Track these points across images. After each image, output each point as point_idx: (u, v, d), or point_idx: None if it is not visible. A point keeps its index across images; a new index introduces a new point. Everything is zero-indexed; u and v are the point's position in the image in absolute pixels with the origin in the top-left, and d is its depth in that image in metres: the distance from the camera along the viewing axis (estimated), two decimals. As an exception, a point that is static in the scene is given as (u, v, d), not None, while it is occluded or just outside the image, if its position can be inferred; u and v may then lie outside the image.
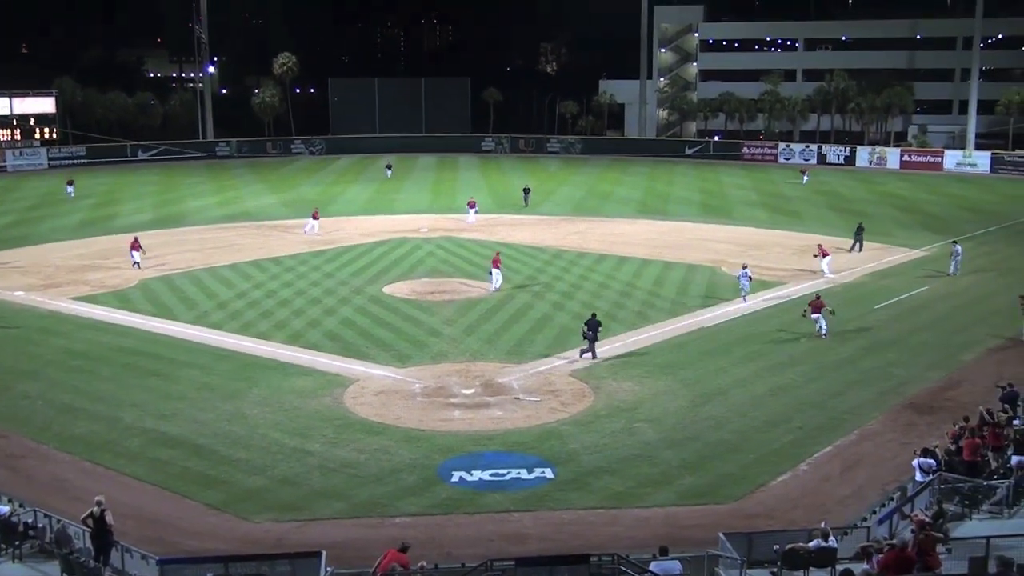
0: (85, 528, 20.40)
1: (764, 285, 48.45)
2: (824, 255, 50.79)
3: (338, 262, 54.92)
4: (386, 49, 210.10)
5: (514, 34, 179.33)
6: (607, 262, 54.92)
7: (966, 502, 22.23)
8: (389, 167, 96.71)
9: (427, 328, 41.15)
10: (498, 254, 49.62)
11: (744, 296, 45.37)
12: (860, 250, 56.68)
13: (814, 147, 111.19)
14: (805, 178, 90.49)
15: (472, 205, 68.86)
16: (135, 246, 53.12)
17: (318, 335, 40.12)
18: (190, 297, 46.88)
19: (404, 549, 19.33)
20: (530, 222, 68.81)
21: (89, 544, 20.37)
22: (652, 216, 72.30)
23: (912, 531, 18.95)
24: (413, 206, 75.65)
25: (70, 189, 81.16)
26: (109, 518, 20.32)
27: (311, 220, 63.92)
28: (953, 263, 51.31)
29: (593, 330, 36.64)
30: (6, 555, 20.95)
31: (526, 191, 77.51)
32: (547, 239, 61.71)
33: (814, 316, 39.88)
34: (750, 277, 45.23)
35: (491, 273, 47.98)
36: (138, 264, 52.39)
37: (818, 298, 40.76)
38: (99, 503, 20.38)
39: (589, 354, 36.63)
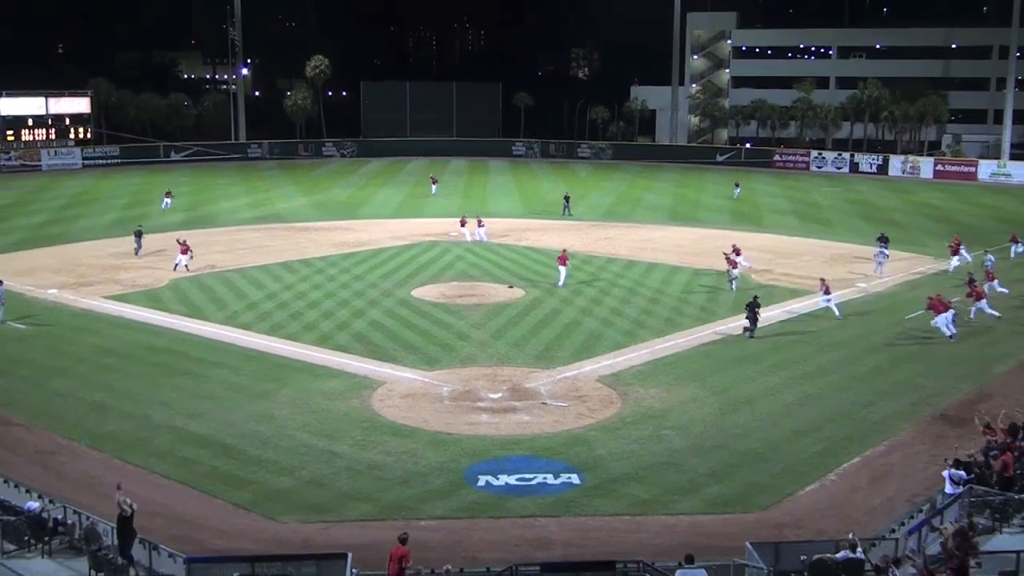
0: (123, 508, 20.45)
1: (793, 293, 48.22)
2: (737, 253, 49.91)
3: (367, 264, 55.10)
4: (418, 53, 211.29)
5: (546, 39, 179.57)
6: (636, 268, 54.81)
7: (997, 515, 22.01)
8: (435, 182, 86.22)
9: (455, 332, 41.20)
10: (565, 251, 50.59)
11: (877, 271, 51.91)
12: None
13: (846, 155, 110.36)
14: (737, 191, 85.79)
15: (480, 223, 63.12)
16: (184, 250, 52.20)
17: (347, 337, 40.26)
18: (220, 297, 47.18)
19: (403, 540, 19.48)
20: (559, 227, 68.70)
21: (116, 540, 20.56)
22: (682, 223, 72.10)
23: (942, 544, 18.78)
24: (443, 210, 75.70)
25: (168, 201, 74.33)
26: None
27: (477, 228, 62.78)
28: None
29: (752, 311, 40.22)
30: (36, 550, 21.21)
31: (567, 199, 74.47)
32: (576, 244, 61.45)
33: (936, 322, 40.06)
34: (887, 254, 52.22)
35: (559, 270, 49.53)
36: (178, 266, 51.71)
37: (931, 298, 41.01)
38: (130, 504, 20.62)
39: (749, 332, 40.30)
